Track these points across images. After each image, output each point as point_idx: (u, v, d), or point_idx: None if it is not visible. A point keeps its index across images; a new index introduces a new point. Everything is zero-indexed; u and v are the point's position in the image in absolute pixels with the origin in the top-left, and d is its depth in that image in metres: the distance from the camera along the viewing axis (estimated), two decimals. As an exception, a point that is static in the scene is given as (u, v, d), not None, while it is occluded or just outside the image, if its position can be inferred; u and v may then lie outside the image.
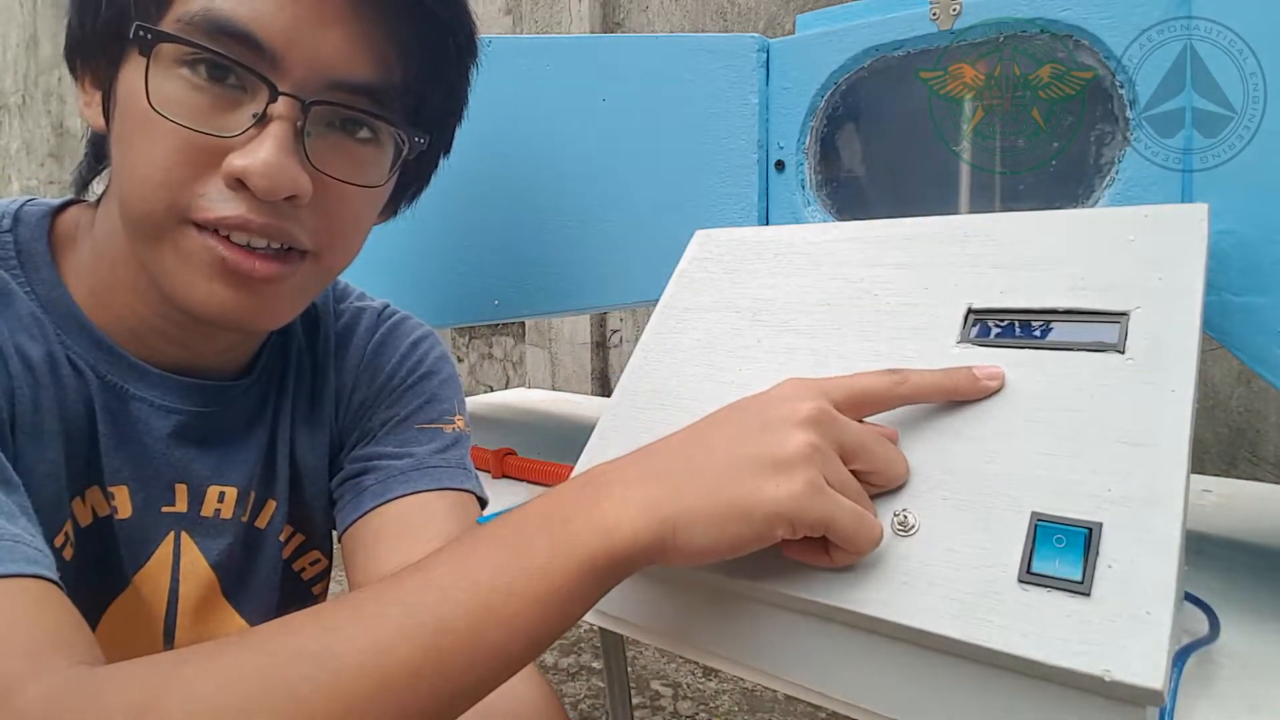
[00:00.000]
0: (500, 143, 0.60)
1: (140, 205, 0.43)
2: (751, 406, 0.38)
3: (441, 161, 0.57)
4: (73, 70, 0.48)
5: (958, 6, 0.57)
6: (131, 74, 0.43)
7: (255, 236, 0.43)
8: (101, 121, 0.46)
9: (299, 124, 0.43)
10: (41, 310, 0.46)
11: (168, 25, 0.41)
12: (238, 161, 0.41)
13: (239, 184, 0.42)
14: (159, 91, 0.41)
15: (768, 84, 0.67)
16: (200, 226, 0.43)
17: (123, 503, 0.49)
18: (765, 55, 0.67)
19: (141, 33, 0.41)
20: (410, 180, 0.56)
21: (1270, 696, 0.37)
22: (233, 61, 0.41)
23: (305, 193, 0.43)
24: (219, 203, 0.42)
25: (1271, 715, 0.35)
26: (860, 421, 0.39)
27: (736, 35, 0.68)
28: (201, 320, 0.46)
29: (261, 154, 0.41)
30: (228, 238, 0.43)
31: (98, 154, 0.52)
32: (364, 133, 0.47)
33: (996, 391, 0.40)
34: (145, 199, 0.43)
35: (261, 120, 0.42)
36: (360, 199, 0.48)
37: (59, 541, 0.45)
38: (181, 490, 0.51)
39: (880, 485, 0.39)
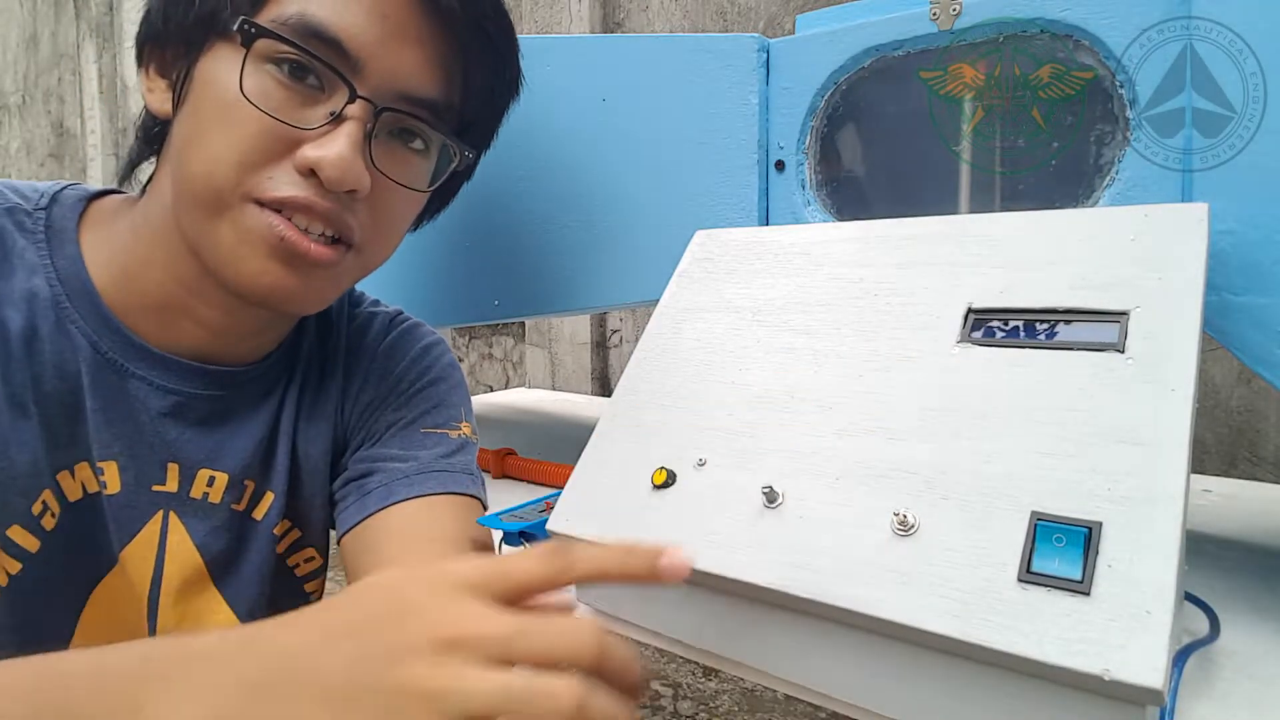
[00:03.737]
0: (500, 143, 0.60)
1: (209, 181, 0.46)
2: (380, 616, 0.31)
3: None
4: (139, 58, 0.51)
5: (958, 6, 0.57)
6: (214, 64, 0.46)
7: (314, 221, 0.47)
8: (168, 108, 0.49)
9: (369, 126, 0.47)
10: (59, 283, 0.48)
11: (262, 24, 0.45)
12: (312, 153, 0.45)
13: (310, 173, 0.45)
14: (247, 81, 0.45)
15: (768, 84, 0.67)
16: (263, 205, 0.46)
17: (112, 478, 0.50)
18: (765, 55, 0.67)
19: (246, 27, 0.44)
20: (438, 198, 0.60)
21: (1270, 696, 0.37)
22: (321, 63, 0.45)
23: (365, 188, 0.47)
24: (287, 185, 0.45)
25: (1272, 715, 0.35)
26: (524, 603, 0.32)
27: (736, 35, 0.68)
28: (247, 297, 0.48)
29: (335, 147, 0.45)
30: (289, 219, 0.46)
31: (149, 139, 0.53)
32: (418, 143, 0.51)
33: (675, 580, 0.32)
34: (215, 175, 0.45)
35: (338, 118, 0.46)
36: (406, 201, 0.52)
37: (37, 509, 0.46)
38: (173, 470, 0.52)
39: (562, 664, 0.29)
